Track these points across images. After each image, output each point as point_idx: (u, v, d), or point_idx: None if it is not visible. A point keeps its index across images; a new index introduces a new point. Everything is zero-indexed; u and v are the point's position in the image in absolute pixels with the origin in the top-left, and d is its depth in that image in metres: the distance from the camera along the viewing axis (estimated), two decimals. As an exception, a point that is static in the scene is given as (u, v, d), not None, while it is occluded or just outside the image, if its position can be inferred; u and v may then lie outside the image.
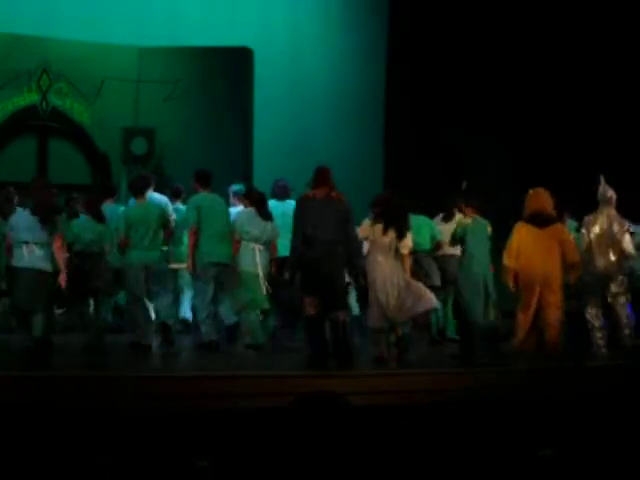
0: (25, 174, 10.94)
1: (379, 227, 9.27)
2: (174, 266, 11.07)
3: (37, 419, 6.01)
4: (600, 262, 10.19)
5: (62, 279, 9.37)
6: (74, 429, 5.62)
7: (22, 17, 13.70)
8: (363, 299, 10.21)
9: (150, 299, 10.09)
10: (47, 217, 9.38)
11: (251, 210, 10.34)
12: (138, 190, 10.47)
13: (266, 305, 10.31)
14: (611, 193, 10.28)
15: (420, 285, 9.29)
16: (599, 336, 10.12)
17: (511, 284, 9.83)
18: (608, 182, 10.35)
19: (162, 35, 14.33)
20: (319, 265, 8.84)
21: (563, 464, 4.96)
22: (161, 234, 10.29)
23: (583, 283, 10.17)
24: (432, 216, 11.50)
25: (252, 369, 9.07)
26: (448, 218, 11.38)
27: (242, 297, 10.16)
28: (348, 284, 10.30)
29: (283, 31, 15.48)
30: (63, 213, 10.05)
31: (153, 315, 10.05)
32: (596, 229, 10.26)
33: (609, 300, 10.17)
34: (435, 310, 10.20)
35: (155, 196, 11.12)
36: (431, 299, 9.16)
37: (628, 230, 10.29)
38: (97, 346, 9.90)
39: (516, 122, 14.88)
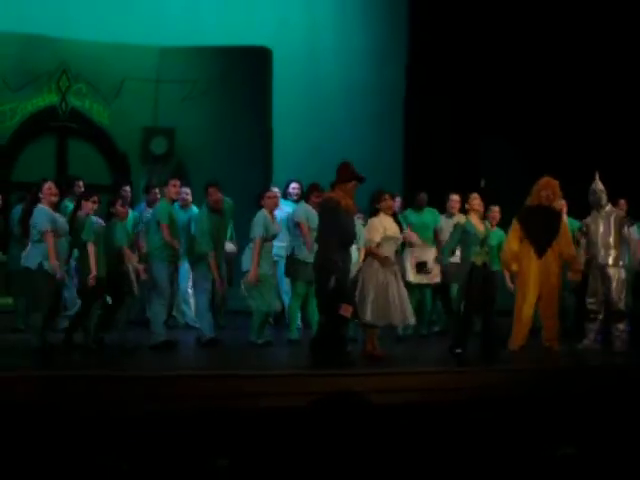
0: (45, 175, 10.92)
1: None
2: None
3: (68, 420, 6.04)
4: None
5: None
6: (91, 431, 5.64)
7: (41, 18, 13.73)
8: None
9: None
10: None
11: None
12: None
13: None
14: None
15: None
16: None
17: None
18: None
19: (180, 35, 14.35)
20: None
21: (586, 462, 4.93)
22: None
23: None
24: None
25: (272, 368, 9.07)
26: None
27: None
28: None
29: (301, 30, 15.47)
30: None
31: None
32: None
33: None
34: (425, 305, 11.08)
35: None
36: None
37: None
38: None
39: (530, 121, 14.89)
